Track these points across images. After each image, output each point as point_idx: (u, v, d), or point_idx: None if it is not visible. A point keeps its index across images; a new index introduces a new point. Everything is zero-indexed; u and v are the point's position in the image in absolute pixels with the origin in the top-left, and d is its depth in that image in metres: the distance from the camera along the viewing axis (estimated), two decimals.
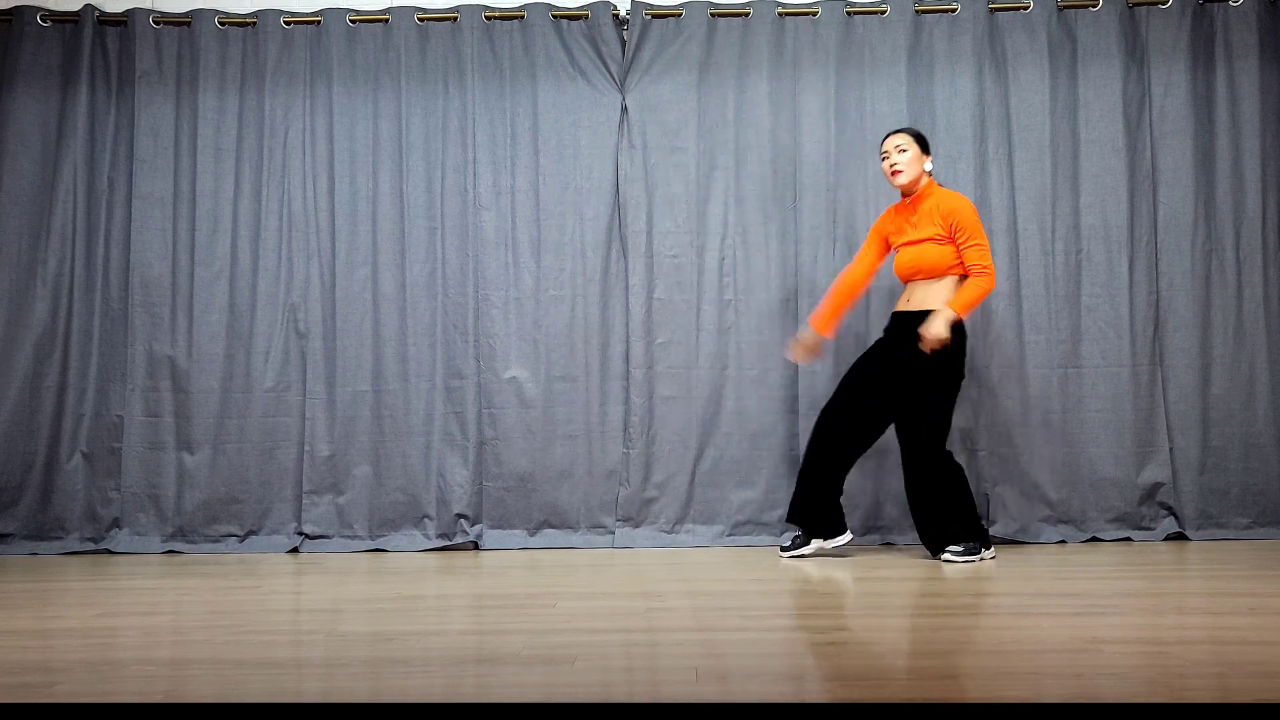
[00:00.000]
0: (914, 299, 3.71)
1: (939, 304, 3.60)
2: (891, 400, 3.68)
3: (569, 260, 4.32)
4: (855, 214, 4.28)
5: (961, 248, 3.62)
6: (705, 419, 4.25)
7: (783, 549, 3.80)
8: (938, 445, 3.62)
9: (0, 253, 4.32)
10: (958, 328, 3.60)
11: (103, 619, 2.71)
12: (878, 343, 3.84)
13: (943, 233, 3.64)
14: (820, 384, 4.22)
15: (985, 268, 3.61)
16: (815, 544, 3.75)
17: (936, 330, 3.52)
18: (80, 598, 3.12)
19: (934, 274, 3.67)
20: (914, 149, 3.72)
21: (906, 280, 3.76)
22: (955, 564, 3.54)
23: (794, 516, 3.78)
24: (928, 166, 3.75)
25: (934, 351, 3.55)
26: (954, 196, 3.72)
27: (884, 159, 3.77)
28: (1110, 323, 4.23)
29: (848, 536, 3.79)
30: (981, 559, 3.61)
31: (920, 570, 3.43)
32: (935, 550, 3.64)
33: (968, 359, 3.78)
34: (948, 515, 3.62)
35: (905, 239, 3.74)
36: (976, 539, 3.65)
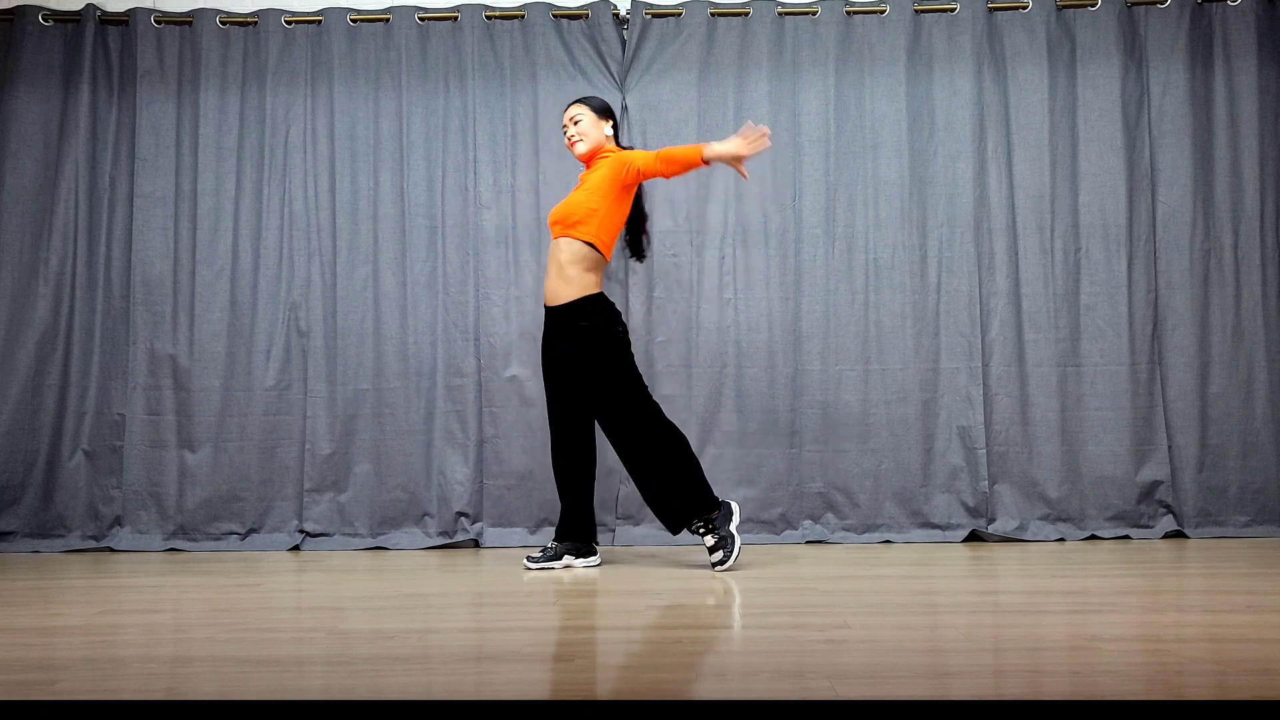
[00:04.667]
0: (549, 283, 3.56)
1: (570, 286, 3.48)
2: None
3: None
4: (855, 214, 4.29)
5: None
6: (705, 418, 4.26)
7: (529, 559, 3.59)
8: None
9: (2, 251, 4.33)
10: (592, 303, 3.51)
11: (104, 617, 2.72)
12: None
13: (597, 182, 3.48)
14: (821, 382, 4.24)
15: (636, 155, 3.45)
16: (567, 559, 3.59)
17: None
18: (82, 595, 3.12)
19: (570, 225, 3.49)
20: (589, 116, 3.57)
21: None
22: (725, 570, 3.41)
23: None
24: (608, 130, 3.60)
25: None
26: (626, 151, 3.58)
27: (564, 133, 3.63)
28: (1109, 321, 4.24)
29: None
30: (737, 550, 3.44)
31: (920, 568, 3.44)
32: (675, 528, 3.50)
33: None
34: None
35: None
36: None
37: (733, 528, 3.46)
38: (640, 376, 3.58)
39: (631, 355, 3.58)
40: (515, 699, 1.80)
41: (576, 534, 3.61)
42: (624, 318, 4.23)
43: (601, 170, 3.52)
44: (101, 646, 2.31)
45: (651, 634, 2.39)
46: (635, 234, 3.70)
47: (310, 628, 2.54)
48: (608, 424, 3.54)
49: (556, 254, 3.54)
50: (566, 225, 3.51)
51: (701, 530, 3.46)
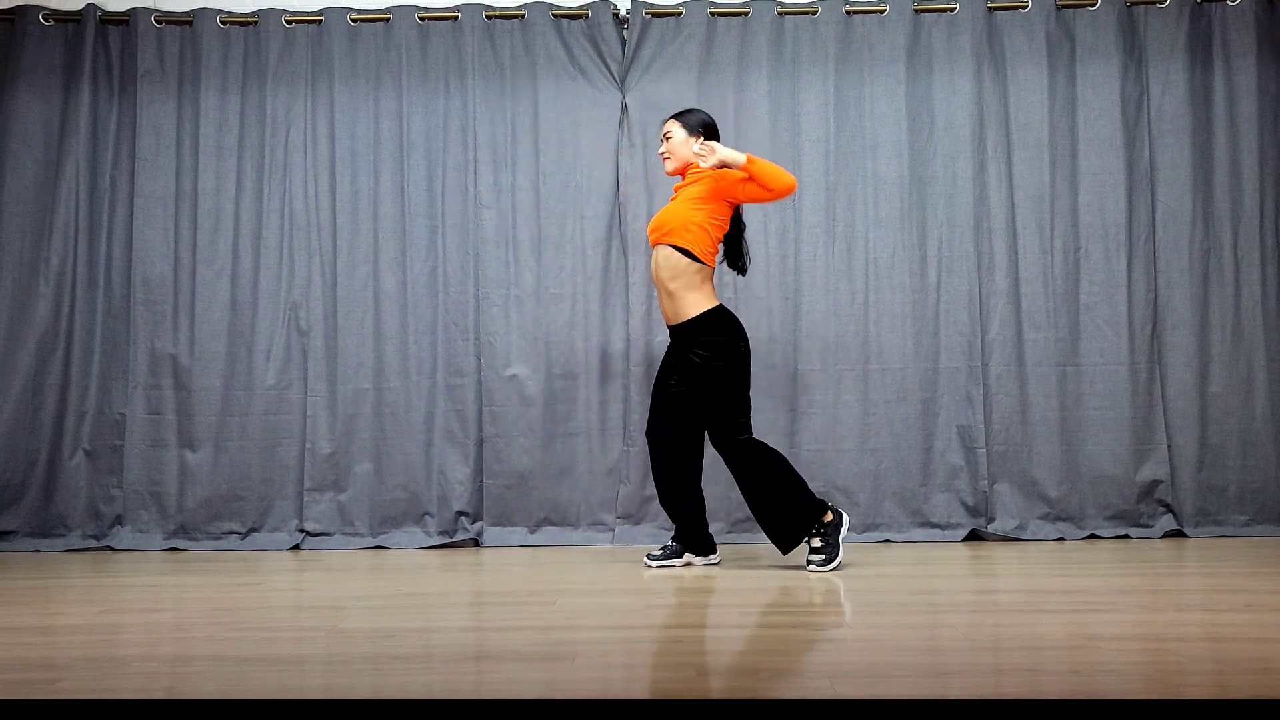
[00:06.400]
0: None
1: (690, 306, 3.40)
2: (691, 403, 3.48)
3: (569, 258, 4.33)
4: (855, 213, 4.29)
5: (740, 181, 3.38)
6: None
7: (650, 556, 3.57)
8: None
9: (3, 251, 4.33)
10: (714, 317, 3.40)
11: (105, 616, 2.72)
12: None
13: (696, 192, 3.41)
14: (821, 382, 4.24)
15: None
16: (687, 556, 3.58)
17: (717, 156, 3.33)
18: (83, 595, 3.13)
19: (667, 233, 3.41)
20: (680, 133, 3.50)
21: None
22: (822, 572, 3.33)
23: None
24: (696, 148, 3.43)
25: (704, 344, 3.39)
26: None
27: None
28: (1109, 321, 4.24)
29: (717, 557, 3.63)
30: (839, 558, 3.38)
31: (919, 567, 3.44)
32: (785, 547, 3.42)
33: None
34: (785, 503, 3.39)
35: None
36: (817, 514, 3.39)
37: (840, 537, 3.41)
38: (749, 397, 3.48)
39: (749, 372, 3.46)
40: (515, 699, 1.80)
41: (696, 545, 3.58)
42: (626, 317, 4.28)
43: (703, 185, 3.42)
44: (102, 646, 2.32)
45: (651, 634, 2.39)
46: (734, 245, 3.57)
47: (310, 627, 2.54)
48: (723, 442, 3.43)
49: (658, 271, 3.45)
50: (663, 233, 3.44)
51: (812, 532, 3.42)
